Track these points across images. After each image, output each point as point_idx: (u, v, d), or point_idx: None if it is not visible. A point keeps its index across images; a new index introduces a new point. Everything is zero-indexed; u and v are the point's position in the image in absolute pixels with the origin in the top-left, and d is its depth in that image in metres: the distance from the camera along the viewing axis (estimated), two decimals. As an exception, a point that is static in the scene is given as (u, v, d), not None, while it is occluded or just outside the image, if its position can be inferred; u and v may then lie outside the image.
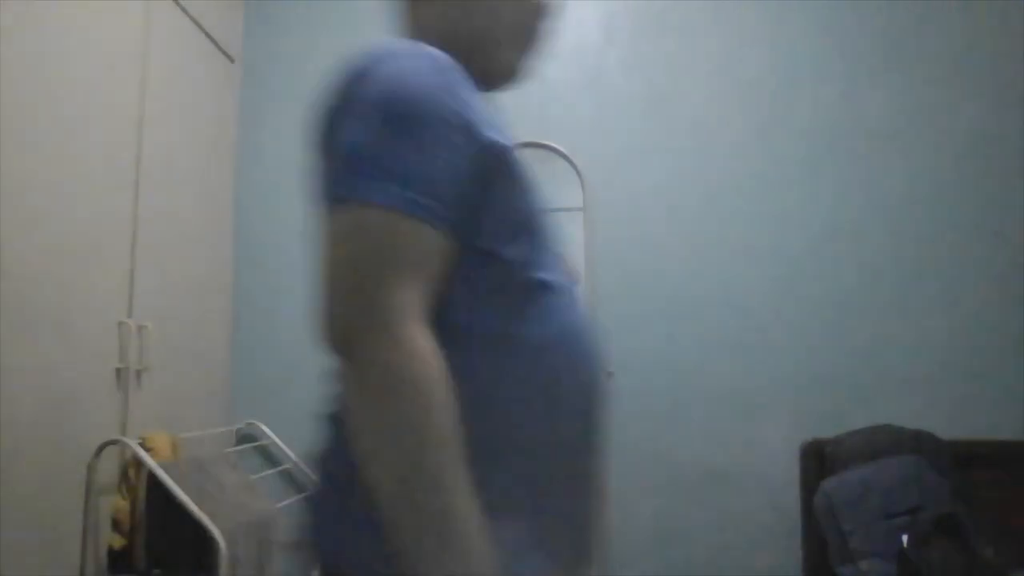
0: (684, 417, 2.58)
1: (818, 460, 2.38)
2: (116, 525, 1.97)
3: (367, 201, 0.74)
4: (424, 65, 0.81)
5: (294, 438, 2.66)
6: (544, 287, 0.83)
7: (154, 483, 1.93)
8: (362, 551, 0.75)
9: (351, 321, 0.72)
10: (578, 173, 2.49)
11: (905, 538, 2.07)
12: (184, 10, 2.43)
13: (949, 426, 2.41)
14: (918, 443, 2.30)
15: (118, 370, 2.04)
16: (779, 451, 2.49)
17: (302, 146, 2.84)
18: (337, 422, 0.79)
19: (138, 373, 2.12)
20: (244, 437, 2.70)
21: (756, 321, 2.59)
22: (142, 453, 1.94)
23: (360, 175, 0.75)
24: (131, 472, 2.00)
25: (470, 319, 0.79)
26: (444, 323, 0.76)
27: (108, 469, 1.98)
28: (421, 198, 0.74)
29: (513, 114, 2.81)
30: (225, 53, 2.73)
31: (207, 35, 2.60)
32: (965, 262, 2.55)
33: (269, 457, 2.68)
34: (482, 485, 0.72)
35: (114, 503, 1.98)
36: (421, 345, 0.71)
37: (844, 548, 2.16)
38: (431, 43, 0.86)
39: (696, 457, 2.56)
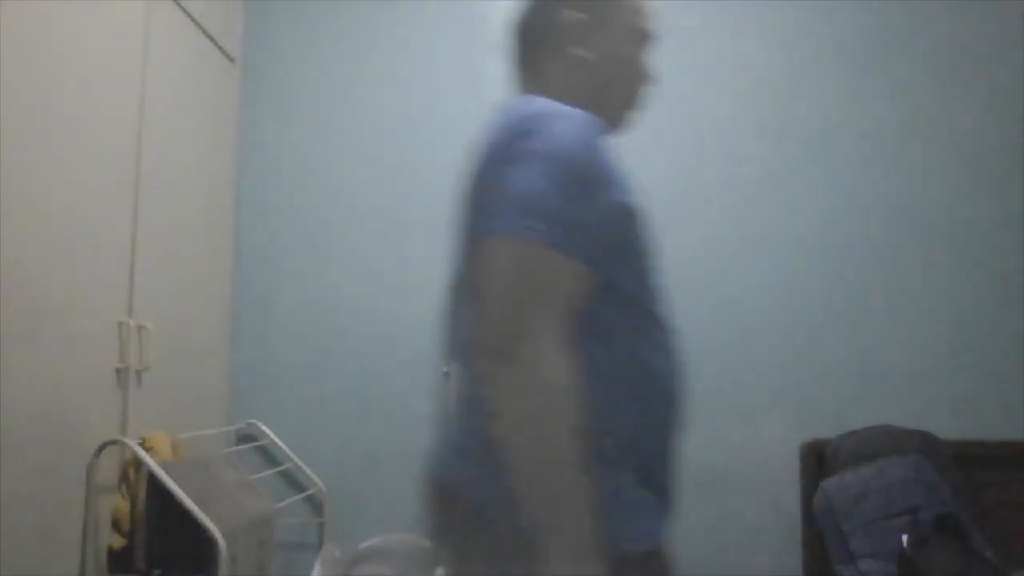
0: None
1: (818, 460, 2.38)
2: (116, 525, 1.97)
3: (531, 237, 0.89)
4: (582, 128, 0.98)
5: (294, 438, 2.66)
6: (656, 319, 1.04)
7: (154, 483, 1.93)
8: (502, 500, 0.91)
9: (505, 335, 0.86)
10: (578, 173, 2.50)
11: (905, 538, 2.07)
12: (184, 10, 2.43)
13: (949, 426, 2.41)
14: (918, 443, 2.30)
15: (118, 370, 2.04)
16: (779, 451, 2.49)
17: (301, 145, 2.84)
18: (478, 412, 0.94)
19: (138, 373, 2.11)
20: (244, 437, 2.70)
21: (756, 321, 2.59)
22: (142, 453, 1.94)
23: (527, 215, 0.90)
24: (131, 472, 2.00)
25: (600, 340, 0.97)
26: (581, 343, 0.93)
27: (108, 469, 1.98)
28: (574, 238, 0.91)
29: (513, 114, 2.81)
30: (225, 53, 2.73)
31: (207, 35, 2.60)
32: (965, 262, 2.55)
33: (269, 457, 2.68)
34: (607, 469, 0.94)
35: (114, 503, 1.98)
36: (556, 359, 0.87)
37: (844, 548, 2.16)
38: (557, 97, 1.03)
39: (696, 457, 2.55)
